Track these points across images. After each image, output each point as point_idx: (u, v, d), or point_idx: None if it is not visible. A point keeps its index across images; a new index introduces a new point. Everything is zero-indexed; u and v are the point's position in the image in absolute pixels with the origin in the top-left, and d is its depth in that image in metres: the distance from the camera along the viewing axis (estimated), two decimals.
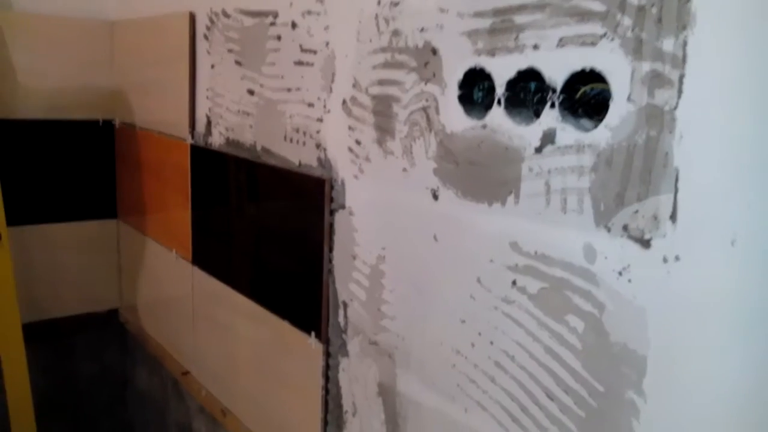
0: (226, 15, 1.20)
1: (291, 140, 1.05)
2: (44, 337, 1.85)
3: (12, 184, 1.68)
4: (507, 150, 0.69)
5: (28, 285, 1.75)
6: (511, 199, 0.69)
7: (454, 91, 0.74)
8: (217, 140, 1.28)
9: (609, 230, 0.60)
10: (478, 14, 0.70)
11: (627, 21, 0.56)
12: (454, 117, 0.75)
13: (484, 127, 0.71)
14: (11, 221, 1.67)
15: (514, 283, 0.70)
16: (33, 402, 1.62)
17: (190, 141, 1.36)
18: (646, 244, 0.57)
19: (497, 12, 0.68)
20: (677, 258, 0.55)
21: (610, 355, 0.61)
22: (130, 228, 1.79)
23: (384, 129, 0.85)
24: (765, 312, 0.50)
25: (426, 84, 0.78)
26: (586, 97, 0.62)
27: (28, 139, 1.71)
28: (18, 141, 1.69)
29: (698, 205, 0.53)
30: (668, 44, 0.54)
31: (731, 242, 0.51)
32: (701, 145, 0.53)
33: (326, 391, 1.02)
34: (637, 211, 0.57)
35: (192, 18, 1.31)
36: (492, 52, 0.69)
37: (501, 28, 0.68)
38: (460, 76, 0.73)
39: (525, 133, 0.67)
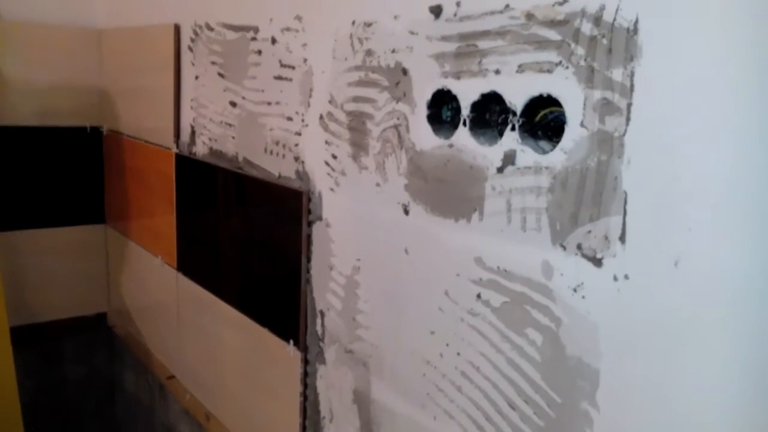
0: (209, 28, 1.23)
1: (271, 152, 1.07)
2: (33, 341, 1.87)
3: (1, 190, 1.70)
4: (471, 169, 0.72)
5: (17, 289, 1.76)
6: (475, 216, 0.72)
7: (423, 111, 0.77)
8: (201, 150, 1.30)
9: (564, 249, 0.63)
10: (445, 38, 0.73)
11: (580, 50, 0.59)
12: (423, 135, 0.77)
13: (451, 146, 0.74)
14: (1, 227, 1.69)
15: (478, 296, 0.73)
16: (21, 405, 1.64)
17: (174, 150, 1.39)
18: (598, 262, 0.60)
19: (462, 37, 0.71)
20: (626, 277, 0.58)
21: (567, 367, 0.64)
22: (117, 233, 1.81)
23: (358, 145, 0.88)
24: (705, 329, 0.53)
25: (397, 103, 0.81)
26: (545, 120, 0.65)
27: (17, 145, 1.72)
28: (7, 147, 1.71)
29: (645, 227, 0.56)
30: (617, 74, 0.56)
31: (675, 263, 0.54)
32: (647, 170, 0.55)
33: (304, 397, 1.05)
34: (590, 231, 0.60)
35: (177, 30, 1.34)
36: (458, 75, 0.72)
37: (466, 53, 0.71)
38: (428, 96, 0.76)
39: (488, 153, 0.69)
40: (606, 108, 0.58)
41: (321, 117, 0.95)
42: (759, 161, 0.48)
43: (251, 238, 1.16)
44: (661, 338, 0.56)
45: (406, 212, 0.81)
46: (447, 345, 0.78)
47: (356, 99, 0.87)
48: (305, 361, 1.03)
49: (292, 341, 1.04)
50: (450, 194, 0.75)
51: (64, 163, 1.80)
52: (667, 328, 0.55)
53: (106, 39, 1.76)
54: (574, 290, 0.62)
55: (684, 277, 0.54)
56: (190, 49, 1.31)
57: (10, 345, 1.60)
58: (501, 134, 0.68)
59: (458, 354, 0.76)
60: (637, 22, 0.55)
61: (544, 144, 0.65)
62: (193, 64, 1.31)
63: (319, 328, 1.00)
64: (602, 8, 0.57)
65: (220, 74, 1.21)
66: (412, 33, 0.77)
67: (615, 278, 0.59)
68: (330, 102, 0.92)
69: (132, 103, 1.63)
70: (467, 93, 0.71)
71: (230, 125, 1.19)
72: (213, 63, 1.22)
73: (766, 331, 0.49)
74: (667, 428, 0.56)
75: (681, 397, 0.55)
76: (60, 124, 1.77)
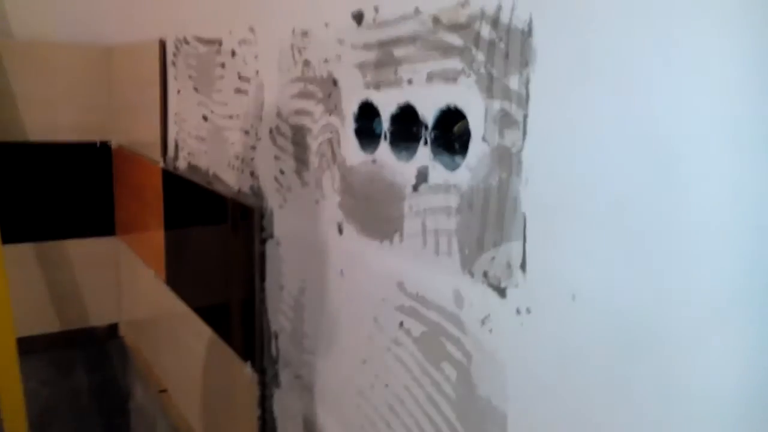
0: (186, 42, 1.22)
1: (233, 167, 1.04)
2: (46, 350, 1.91)
3: (14, 204, 1.74)
4: (392, 186, 0.66)
5: (30, 300, 1.81)
6: (397, 237, 0.66)
7: (350, 124, 0.72)
8: (182, 164, 1.29)
9: (472, 276, 0.56)
10: (366, 46, 0.68)
11: (480, 56, 0.53)
12: (352, 150, 0.73)
13: (374, 161, 0.69)
14: (13, 239, 1.73)
15: (401, 324, 0.67)
16: (34, 414, 1.67)
17: (161, 165, 1.38)
18: (502, 293, 0.53)
19: (381, 44, 0.66)
20: (528, 310, 0.51)
21: (477, 408, 0.57)
22: (125, 246, 1.83)
23: (301, 159, 0.84)
24: (609, 374, 0.46)
25: (330, 115, 0.76)
26: (459, 133, 0.59)
27: (31, 160, 1.77)
28: (20, 162, 1.76)
29: (543, 256, 0.49)
30: (514, 81, 0.50)
31: (572, 297, 0.47)
32: (544, 191, 0.49)
33: (263, 421, 1.01)
34: (494, 258, 0.54)
35: (162, 45, 1.34)
36: (378, 86, 0.67)
37: (384, 62, 0.65)
38: (355, 108, 0.71)
39: (405, 170, 0.64)
40: (505, 120, 0.51)
41: (270, 131, 0.91)
42: (659, 185, 0.41)
43: (216, 254, 1.13)
44: (566, 382, 0.49)
45: (340, 231, 0.76)
46: (376, 376, 0.72)
47: (298, 112, 0.83)
48: (262, 384, 0.99)
49: (249, 362, 1.01)
50: (376, 213, 0.69)
51: (76, 178, 1.84)
52: (570, 371, 0.48)
53: (114, 55, 1.79)
54: (482, 323, 0.56)
55: (582, 313, 0.46)
56: (173, 63, 1.30)
57: (16, 355, 1.63)
58: (417, 149, 0.63)
59: (386, 386, 0.70)
60: (530, 22, 0.48)
61: (459, 160, 0.59)
62: (175, 79, 1.30)
63: (274, 350, 0.96)
64: (499, 8, 0.51)
65: (195, 88, 1.19)
66: (339, 42, 0.73)
67: (518, 311, 0.52)
68: (277, 115, 0.89)
69: (131, 118, 1.65)
70: (387, 105, 0.66)
71: (203, 139, 1.17)
72: (190, 77, 1.21)
73: (665, 367, 0.42)
74: None
75: None
76: (71, 140, 1.81)
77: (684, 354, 0.40)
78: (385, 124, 0.66)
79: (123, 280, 1.92)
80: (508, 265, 0.52)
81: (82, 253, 1.88)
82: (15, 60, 1.70)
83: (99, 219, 1.88)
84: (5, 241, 1.61)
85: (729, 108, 0.37)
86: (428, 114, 0.60)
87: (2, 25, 1.72)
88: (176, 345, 1.43)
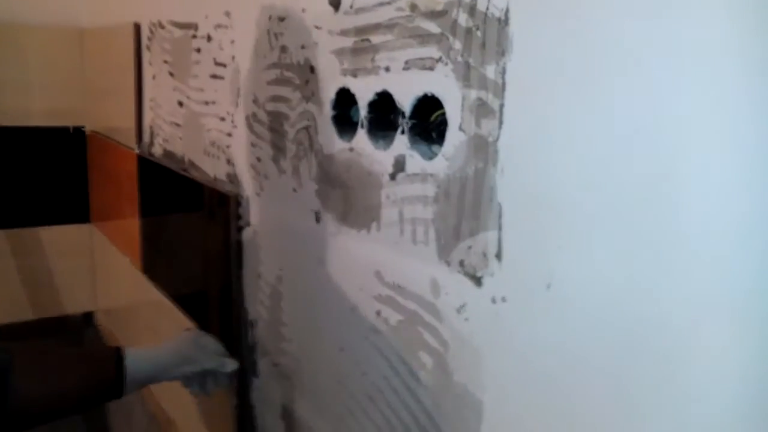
0: (161, 26, 1.19)
1: (209, 154, 1.03)
2: (20, 339, 1.88)
3: None
4: (369, 175, 0.66)
5: (4, 288, 1.78)
6: (374, 226, 0.66)
7: (328, 112, 0.71)
8: (157, 150, 1.27)
9: (449, 265, 0.56)
10: (344, 33, 0.67)
11: (458, 45, 0.53)
12: (330, 138, 0.72)
13: (352, 150, 0.68)
14: None
15: (378, 313, 0.67)
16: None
17: (136, 151, 1.36)
18: (478, 282, 0.54)
19: (358, 31, 0.65)
20: (504, 299, 0.51)
21: (454, 395, 0.57)
22: (100, 233, 1.81)
23: (278, 147, 0.83)
24: (583, 361, 0.46)
25: (307, 103, 0.75)
26: (437, 122, 0.59)
27: (2, 145, 1.73)
28: None
29: (518, 245, 0.50)
30: (490, 71, 0.50)
31: (547, 286, 0.47)
32: (520, 181, 0.49)
33: (240, 410, 1.00)
34: (470, 247, 0.54)
35: (137, 29, 1.31)
36: (354, 73, 0.66)
37: (361, 48, 0.65)
38: (332, 96, 0.71)
39: (383, 159, 0.64)
40: (482, 109, 0.51)
41: (247, 117, 0.90)
42: (634, 174, 0.41)
43: (192, 242, 1.12)
44: (541, 369, 0.49)
45: (318, 220, 0.76)
46: (354, 364, 0.72)
47: (274, 98, 0.82)
48: (240, 373, 0.99)
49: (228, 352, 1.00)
50: (353, 202, 0.69)
51: (49, 163, 1.80)
52: (544, 359, 0.49)
53: (87, 39, 1.75)
54: (458, 311, 0.56)
55: (556, 302, 0.47)
56: (148, 48, 1.28)
57: None
58: (394, 138, 0.62)
59: (364, 374, 0.71)
60: (507, 10, 0.48)
61: (435, 148, 0.59)
62: (150, 64, 1.28)
63: (251, 339, 0.96)
64: None
65: (170, 73, 1.17)
66: (317, 27, 0.72)
67: (494, 300, 0.52)
68: (254, 102, 0.88)
69: (105, 103, 1.62)
70: (364, 92, 0.65)
71: (178, 125, 1.15)
72: (165, 62, 1.19)
73: (634, 360, 0.42)
74: None
75: None
76: (44, 125, 1.77)
77: (657, 339, 0.41)
78: (363, 111, 0.66)
79: (98, 268, 1.90)
80: (484, 255, 0.52)
81: (56, 240, 1.85)
82: None
83: (73, 206, 1.85)
84: None
85: (703, 93, 0.38)
86: (405, 102, 0.59)
87: None
88: (153, 333, 1.41)
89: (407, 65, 0.59)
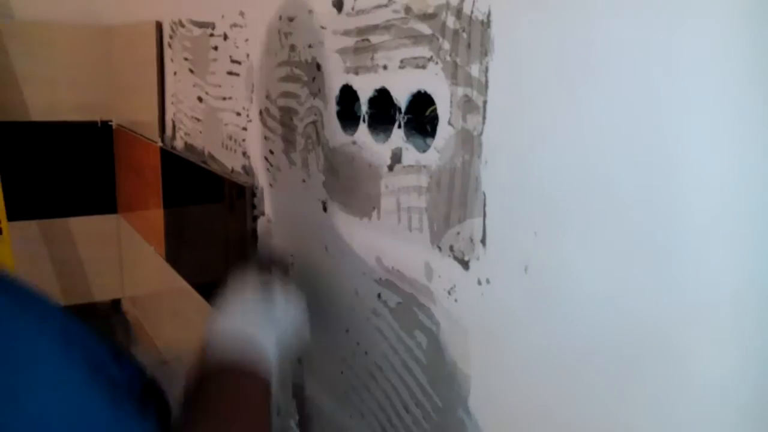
0: (182, 25, 1.25)
1: (226, 147, 1.08)
2: None
3: (19, 183, 1.79)
4: (370, 167, 0.70)
5: (35, 276, 1.87)
6: (375, 214, 0.71)
7: (333, 107, 0.76)
8: (179, 144, 1.33)
9: (440, 250, 0.61)
10: (346, 33, 0.71)
11: (446, 45, 0.57)
12: (335, 132, 0.76)
13: (354, 143, 0.73)
14: (18, 216, 1.78)
15: (379, 296, 0.72)
16: None
17: (159, 144, 1.42)
18: (465, 265, 0.58)
19: (359, 31, 0.69)
20: (488, 281, 0.56)
21: (446, 372, 0.62)
22: (126, 224, 1.89)
23: (289, 140, 0.88)
24: (558, 338, 0.50)
25: (314, 98, 0.80)
26: (430, 117, 0.63)
27: (33, 139, 1.82)
28: (23, 141, 1.80)
29: (501, 231, 0.54)
30: (475, 70, 0.54)
31: (524, 269, 0.51)
32: (501, 172, 0.53)
33: None
34: (458, 233, 0.58)
35: (159, 27, 1.37)
36: (356, 71, 0.70)
37: (362, 48, 0.69)
38: (337, 92, 0.75)
39: (382, 151, 0.68)
40: (467, 106, 0.55)
41: (260, 112, 0.95)
42: (607, 164, 0.45)
43: (211, 232, 1.18)
44: (520, 345, 0.53)
45: (325, 209, 0.81)
46: (358, 344, 0.77)
47: (285, 94, 0.87)
48: None
49: None
50: (356, 192, 0.74)
51: (78, 156, 1.88)
52: (522, 339, 0.53)
53: (113, 36, 1.82)
54: (449, 293, 0.60)
55: (533, 284, 0.51)
56: (170, 45, 1.34)
57: None
58: (392, 132, 0.67)
59: (366, 353, 0.75)
60: (489, 14, 0.52)
61: (429, 141, 0.63)
62: (171, 61, 1.34)
63: None
64: (462, 0, 0.54)
65: (190, 70, 1.23)
66: (322, 27, 0.76)
67: (479, 282, 0.56)
68: (267, 97, 0.93)
69: (130, 98, 1.69)
70: (365, 89, 0.70)
71: (198, 120, 1.21)
72: (186, 59, 1.25)
73: (604, 336, 0.46)
74: None
75: (548, 411, 0.52)
76: (73, 119, 1.85)
77: (623, 318, 0.45)
78: (364, 107, 0.70)
79: (125, 257, 1.98)
80: (471, 240, 0.57)
81: (85, 230, 1.93)
82: (16, 40, 1.74)
83: (101, 197, 1.93)
84: (10, 219, 1.66)
85: (688, 86, 0.41)
86: (401, 98, 0.64)
87: (4, 6, 1.75)
88: (177, 319, 1.48)
89: (402, 64, 0.63)
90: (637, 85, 0.42)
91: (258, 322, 0.68)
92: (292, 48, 0.84)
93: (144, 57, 1.47)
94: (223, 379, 0.61)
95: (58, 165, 1.86)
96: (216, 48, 1.09)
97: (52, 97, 1.81)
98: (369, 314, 0.74)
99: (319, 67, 0.78)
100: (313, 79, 0.80)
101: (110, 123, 1.88)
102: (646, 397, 0.44)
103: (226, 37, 1.05)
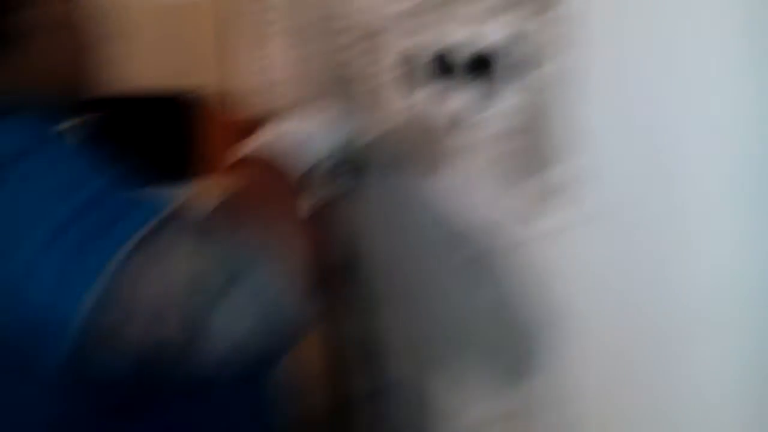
0: None
1: None
2: None
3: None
4: (447, 121, 0.71)
5: None
6: (460, 167, 0.72)
7: (405, 68, 0.76)
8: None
9: (527, 196, 0.62)
10: None
11: None
12: (412, 92, 0.77)
13: (430, 100, 0.73)
14: None
15: (470, 247, 0.73)
16: None
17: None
18: (551, 210, 0.59)
19: None
20: (571, 226, 0.57)
21: (539, 317, 0.64)
22: None
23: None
24: (631, 281, 0.51)
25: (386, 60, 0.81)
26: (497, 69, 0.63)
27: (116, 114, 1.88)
28: None
29: (580, 176, 0.54)
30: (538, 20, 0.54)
31: (598, 213, 0.52)
32: (584, 114, 0.53)
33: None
34: (543, 179, 0.59)
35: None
36: (419, 32, 0.71)
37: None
38: (407, 53, 0.75)
39: (458, 105, 0.69)
40: (540, 50, 0.55)
41: None
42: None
43: None
44: (606, 289, 0.54)
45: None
46: (444, 301, 0.79)
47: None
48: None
49: None
50: (439, 149, 0.75)
51: (160, 131, 1.95)
52: (609, 281, 0.54)
53: (196, 13, 1.86)
54: (538, 239, 0.61)
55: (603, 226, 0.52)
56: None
57: None
58: (467, 84, 0.67)
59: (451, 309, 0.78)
60: None
61: (503, 90, 0.63)
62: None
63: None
64: None
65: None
66: None
67: (563, 227, 0.57)
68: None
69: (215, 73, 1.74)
70: (439, 45, 0.70)
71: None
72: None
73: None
74: None
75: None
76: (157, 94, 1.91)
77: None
78: (440, 62, 0.70)
79: None
80: (555, 185, 0.57)
81: None
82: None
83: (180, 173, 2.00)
84: None
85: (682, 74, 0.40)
86: (469, 52, 0.64)
87: None
88: None
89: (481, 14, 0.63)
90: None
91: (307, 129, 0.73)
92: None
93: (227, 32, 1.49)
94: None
95: (142, 139, 1.92)
96: None
97: (139, 72, 1.85)
98: (464, 265, 0.74)
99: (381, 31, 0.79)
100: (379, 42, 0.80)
101: (196, 97, 1.94)
102: None
103: None
